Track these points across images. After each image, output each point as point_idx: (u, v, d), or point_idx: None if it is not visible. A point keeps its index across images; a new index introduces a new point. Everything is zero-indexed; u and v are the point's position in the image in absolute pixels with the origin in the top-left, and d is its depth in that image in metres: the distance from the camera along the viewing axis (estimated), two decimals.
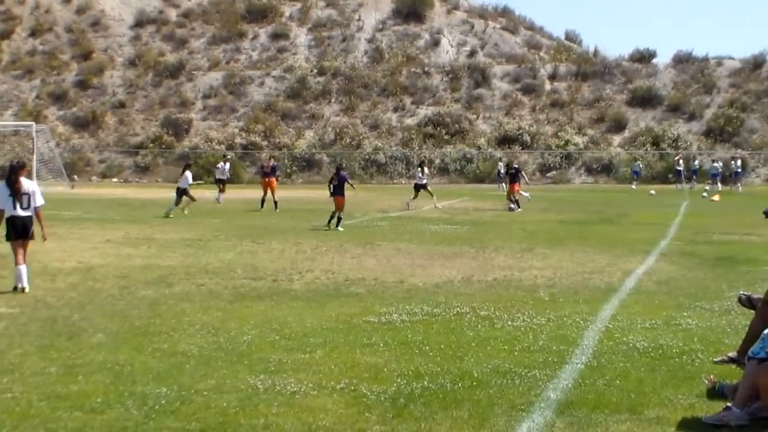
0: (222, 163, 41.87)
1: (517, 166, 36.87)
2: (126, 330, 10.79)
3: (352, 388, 8.08)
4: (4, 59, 69.46)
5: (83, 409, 7.43)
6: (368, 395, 7.84)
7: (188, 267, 16.95)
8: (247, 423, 7.08)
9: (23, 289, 13.47)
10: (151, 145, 62.45)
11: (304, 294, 13.92)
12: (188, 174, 30.11)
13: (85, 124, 64.60)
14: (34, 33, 71.41)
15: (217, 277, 15.57)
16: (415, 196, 35.32)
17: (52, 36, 71.23)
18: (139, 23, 72.79)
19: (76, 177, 55.72)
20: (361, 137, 63.21)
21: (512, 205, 33.93)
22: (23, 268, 13.63)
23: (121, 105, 66.22)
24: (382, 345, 9.89)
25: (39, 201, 14.02)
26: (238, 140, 62.53)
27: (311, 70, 68.56)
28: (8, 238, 13.84)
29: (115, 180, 60.55)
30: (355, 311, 12.08)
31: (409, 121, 66.07)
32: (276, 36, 71.81)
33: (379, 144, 63.05)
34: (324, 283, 15.14)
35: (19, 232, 13.76)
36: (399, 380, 8.34)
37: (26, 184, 13.96)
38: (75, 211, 30.96)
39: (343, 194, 25.37)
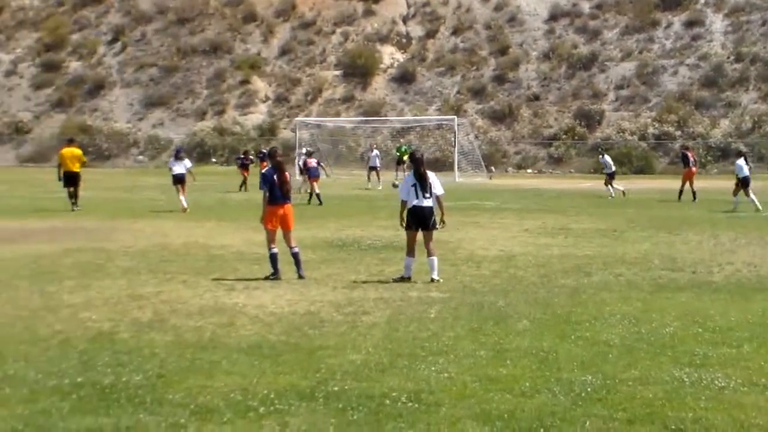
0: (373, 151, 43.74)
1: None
2: (549, 317, 11.13)
3: None
4: (429, 57, 73.64)
5: (513, 392, 7.81)
6: None
7: (605, 257, 17.04)
8: (675, 416, 7.06)
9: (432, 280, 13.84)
10: (564, 136, 63.11)
11: (726, 287, 13.50)
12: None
13: (501, 117, 66.72)
14: (455, 31, 74.97)
15: (635, 268, 15.53)
16: None
17: (471, 33, 74.32)
18: (553, 17, 73.68)
19: (493, 168, 57.76)
20: None
21: None
22: (433, 259, 14.02)
23: (536, 98, 67.51)
24: None
25: (439, 190, 14.20)
26: (650, 130, 61.29)
27: (727, 57, 65.53)
28: (408, 227, 14.12)
29: (529, 171, 61.94)
30: None
31: None
32: (690, 23, 69.42)
33: None
34: (746, 276, 14.58)
35: (420, 221, 14.03)
36: None
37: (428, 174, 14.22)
38: (494, 201, 32.19)
39: None
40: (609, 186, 34.81)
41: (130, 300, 12.19)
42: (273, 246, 14.17)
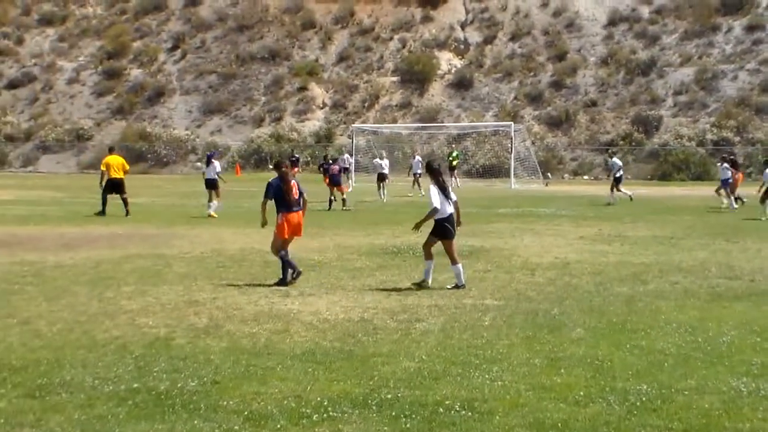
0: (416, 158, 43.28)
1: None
2: (604, 326, 11.05)
3: None
4: (487, 63, 73.48)
5: (567, 401, 7.77)
6: None
7: (661, 264, 16.87)
8: (732, 426, 6.98)
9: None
10: (621, 142, 62.41)
11: None
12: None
13: (558, 123, 66.25)
14: (513, 37, 74.70)
15: (692, 276, 15.35)
16: None
17: (529, 39, 74.00)
18: (612, 22, 73.00)
19: (549, 174, 57.41)
20: None
21: None
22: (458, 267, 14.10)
23: (593, 104, 66.93)
24: None
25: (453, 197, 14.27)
26: (708, 136, 60.48)
27: None
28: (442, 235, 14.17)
29: (585, 177, 61.46)
30: None
31: None
32: (751, 28, 68.34)
33: None
34: None
35: (451, 230, 14.10)
36: None
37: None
38: (550, 208, 31.98)
39: None
40: (614, 191, 34.71)
41: (187, 306, 12.34)
42: (284, 252, 14.46)
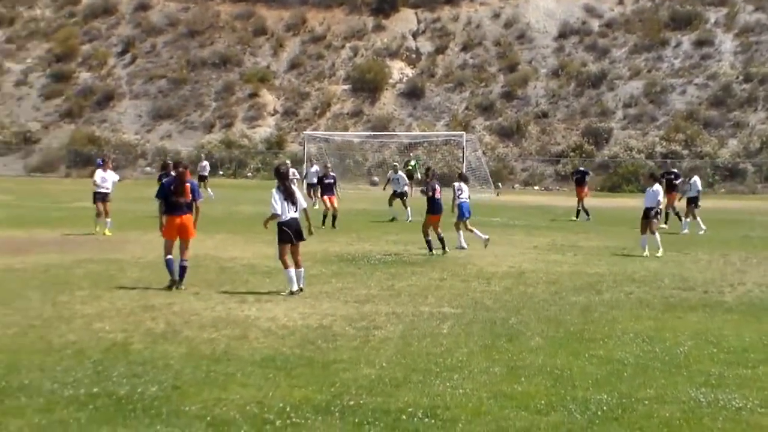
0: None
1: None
2: (561, 335, 11.12)
3: None
4: (439, 73, 73.78)
5: (529, 409, 7.81)
6: None
7: (615, 274, 17.05)
8: None
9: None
10: (571, 153, 63.03)
11: (738, 307, 13.51)
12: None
13: (509, 133, 66.70)
14: (465, 47, 75.13)
15: (645, 286, 15.54)
16: None
17: (481, 50, 74.46)
18: (563, 34, 73.79)
19: (500, 184, 57.75)
20: None
21: None
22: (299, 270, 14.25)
23: (544, 115, 67.52)
24: None
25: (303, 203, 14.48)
26: (658, 149, 61.30)
27: (736, 77, 65.62)
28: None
29: (536, 188, 61.95)
30: None
31: None
32: (700, 43, 69.53)
33: None
34: (758, 297, 14.60)
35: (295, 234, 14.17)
36: None
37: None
38: (502, 218, 32.16)
39: None
40: (690, 216, 28.05)
41: (143, 311, 12.20)
42: (169, 254, 14.51)
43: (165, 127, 72.48)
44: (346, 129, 68.05)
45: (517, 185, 62.63)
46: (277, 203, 13.95)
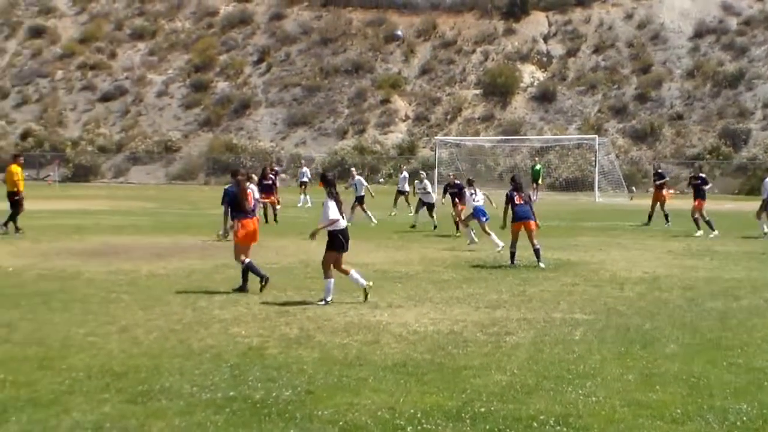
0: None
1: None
2: (698, 342, 10.88)
3: None
4: (570, 76, 72.84)
5: (664, 418, 7.67)
6: None
7: (753, 280, 16.55)
8: None
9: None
10: (708, 156, 61.30)
11: None
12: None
13: (643, 136, 65.29)
14: (597, 50, 73.99)
15: None
16: None
17: (613, 51, 73.15)
18: (698, 34, 71.86)
19: (634, 188, 56.61)
20: None
21: None
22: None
23: (679, 117, 65.84)
24: None
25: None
26: None
27: None
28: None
29: (671, 192, 60.25)
30: None
31: None
32: None
33: None
34: None
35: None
36: None
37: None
38: (635, 222, 31.54)
39: None
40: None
41: (278, 316, 12.51)
42: (245, 258, 15.01)
43: (299, 134, 73.81)
44: (477, 134, 67.95)
45: (651, 189, 61.12)
46: (334, 210, 14.00)
